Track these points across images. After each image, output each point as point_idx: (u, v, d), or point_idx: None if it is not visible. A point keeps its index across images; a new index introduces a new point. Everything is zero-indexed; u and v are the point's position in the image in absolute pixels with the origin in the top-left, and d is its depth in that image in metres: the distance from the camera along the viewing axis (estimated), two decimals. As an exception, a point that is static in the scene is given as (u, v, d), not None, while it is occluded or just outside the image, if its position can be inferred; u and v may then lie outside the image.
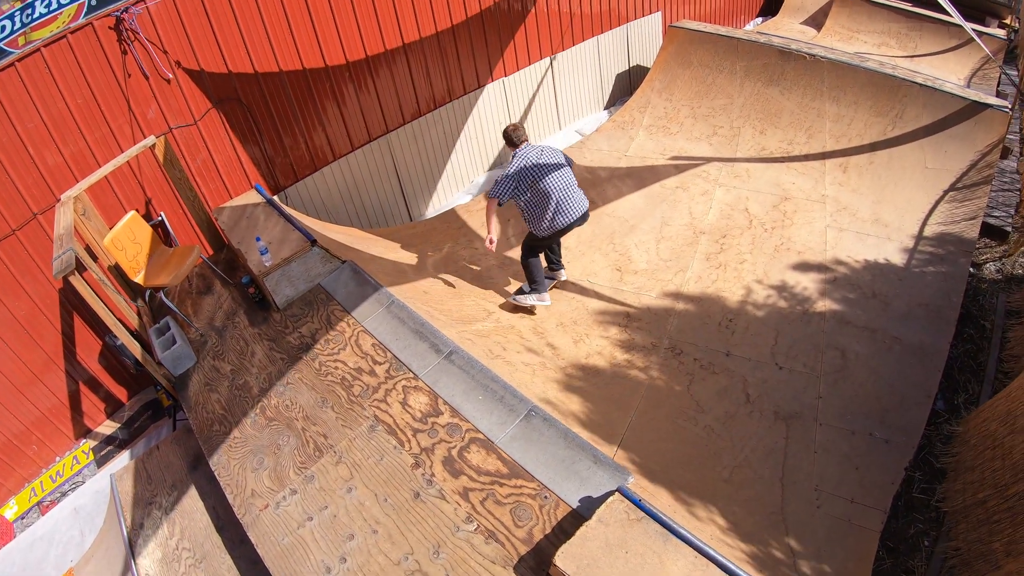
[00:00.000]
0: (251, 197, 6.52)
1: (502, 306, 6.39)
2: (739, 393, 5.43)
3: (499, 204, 5.71)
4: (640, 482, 4.14)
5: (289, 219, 6.01)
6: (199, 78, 6.12)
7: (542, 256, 6.35)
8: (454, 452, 4.09)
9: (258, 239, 5.62)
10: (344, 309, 5.31)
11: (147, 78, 5.80)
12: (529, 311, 6.22)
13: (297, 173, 7.14)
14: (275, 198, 6.52)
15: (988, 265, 7.36)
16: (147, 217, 6.21)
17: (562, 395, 5.19)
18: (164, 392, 6.06)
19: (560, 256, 6.55)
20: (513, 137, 5.74)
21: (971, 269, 6.89)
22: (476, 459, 4.02)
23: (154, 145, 5.87)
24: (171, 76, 5.89)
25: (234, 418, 4.87)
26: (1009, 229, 7.76)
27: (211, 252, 6.77)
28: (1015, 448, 4.49)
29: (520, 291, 6.27)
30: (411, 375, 4.63)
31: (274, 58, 6.49)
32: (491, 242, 5.86)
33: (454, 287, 6.41)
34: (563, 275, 6.60)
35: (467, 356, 4.68)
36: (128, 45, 5.60)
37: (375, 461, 4.19)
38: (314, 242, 5.69)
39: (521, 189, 5.68)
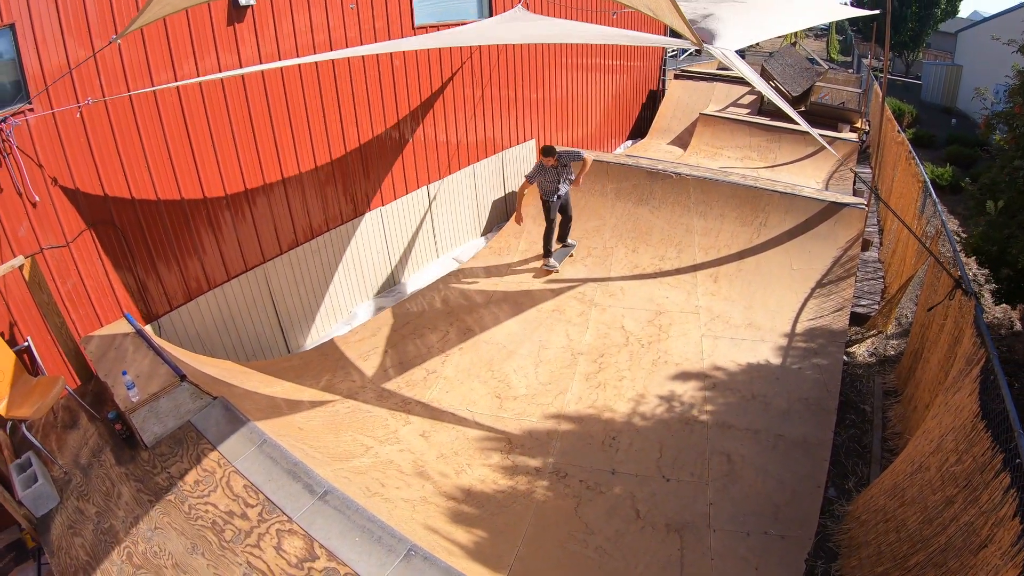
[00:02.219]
0: (122, 326, 6.42)
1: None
2: (628, 510, 5.56)
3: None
4: None
5: (158, 352, 5.91)
6: (74, 198, 6.08)
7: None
8: None
9: (124, 373, 5.49)
10: (215, 448, 5.23)
11: (20, 194, 5.71)
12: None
13: (171, 302, 7.06)
14: (146, 328, 6.42)
15: (861, 351, 7.89)
16: (11, 342, 5.92)
17: (445, 529, 5.19)
18: (27, 533, 5.72)
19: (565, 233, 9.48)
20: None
21: (844, 358, 7.37)
22: None
23: (23, 266, 5.69)
24: (37, 199, 5.81)
25: (99, 565, 4.61)
26: (874, 315, 8.38)
27: (78, 383, 6.47)
28: (908, 520, 4.76)
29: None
30: (285, 518, 4.56)
31: (151, 183, 6.55)
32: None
33: (331, 422, 6.43)
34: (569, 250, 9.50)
35: (342, 496, 4.67)
36: (3, 157, 5.54)
37: None
38: (183, 377, 5.59)
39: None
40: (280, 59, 7.21)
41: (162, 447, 5.41)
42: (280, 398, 6.54)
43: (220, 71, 6.67)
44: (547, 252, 9.05)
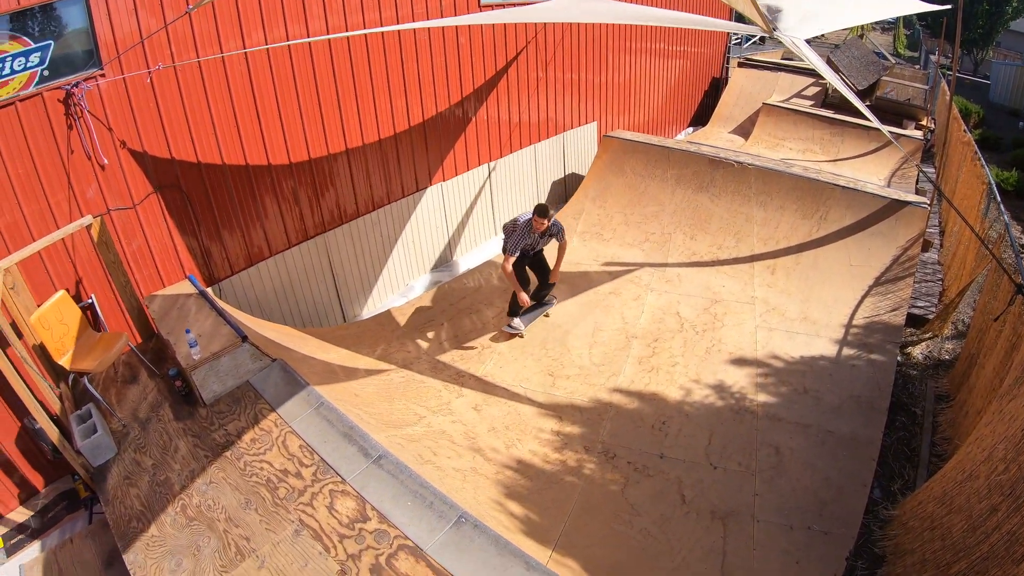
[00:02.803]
0: (184, 287, 6.56)
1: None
2: (674, 495, 5.56)
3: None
4: None
5: (221, 313, 6.05)
6: (142, 161, 6.22)
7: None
8: (382, 559, 4.06)
9: (188, 331, 5.62)
10: (272, 408, 5.34)
11: (89, 157, 5.85)
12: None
13: (232, 267, 7.19)
14: (208, 290, 6.57)
15: (916, 352, 7.73)
16: (77, 298, 6.11)
17: (494, 500, 5.25)
18: (81, 483, 5.78)
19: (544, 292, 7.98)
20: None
21: (899, 358, 7.23)
22: (404, 567, 4.00)
23: (91, 225, 5.87)
24: (106, 162, 5.94)
25: (153, 515, 4.75)
26: (931, 317, 8.20)
27: (139, 340, 6.68)
28: (954, 527, 4.67)
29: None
30: (339, 479, 4.64)
31: (218, 148, 6.66)
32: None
33: (385, 390, 6.53)
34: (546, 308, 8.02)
35: (396, 461, 4.73)
36: (75, 120, 5.67)
37: (299, 567, 4.13)
38: (245, 338, 5.71)
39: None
40: (347, 31, 7.23)
41: (220, 405, 5.54)
42: (336, 364, 6.63)
43: (288, 40, 6.73)
44: (513, 311, 7.69)
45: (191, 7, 5.67)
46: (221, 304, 6.34)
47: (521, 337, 7.57)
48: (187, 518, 4.66)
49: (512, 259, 7.18)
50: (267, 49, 6.66)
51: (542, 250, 7.74)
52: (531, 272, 7.84)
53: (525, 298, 7.35)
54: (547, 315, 7.95)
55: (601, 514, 5.36)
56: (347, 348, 7.18)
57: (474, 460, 5.70)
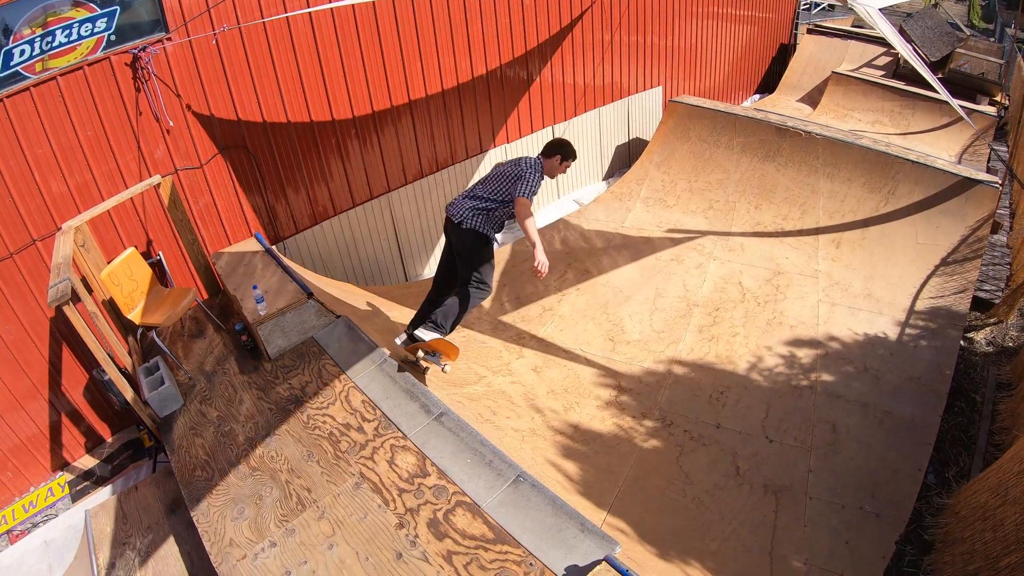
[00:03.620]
0: (250, 245, 6.65)
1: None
2: (729, 466, 5.50)
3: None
4: (628, 551, 4.17)
5: (287, 270, 6.11)
6: (208, 123, 6.29)
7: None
8: (439, 514, 4.09)
9: (255, 287, 5.69)
10: (336, 364, 5.39)
11: (157, 119, 5.95)
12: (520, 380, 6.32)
13: (297, 225, 7.27)
14: (274, 248, 6.65)
15: (979, 338, 7.47)
16: (146, 255, 6.26)
17: (551, 462, 5.25)
18: (147, 432, 6.01)
19: (438, 303, 5.61)
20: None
21: (962, 343, 6.99)
22: (462, 523, 4.03)
23: (159, 184, 5.99)
24: (172, 124, 6.03)
25: (217, 465, 4.87)
26: (997, 302, 7.89)
27: (206, 296, 6.83)
28: (1007, 519, 4.54)
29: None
30: (400, 434, 4.66)
31: (283, 108, 6.69)
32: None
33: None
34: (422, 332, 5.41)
35: (457, 418, 4.73)
36: (142, 83, 5.77)
37: (358, 519, 4.19)
38: (311, 295, 5.75)
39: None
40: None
41: (285, 359, 5.61)
42: (398, 322, 6.62)
43: (352, -1, 6.65)
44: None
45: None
46: (287, 261, 6.41)
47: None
48: (250, 468, 4.76)
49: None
50: (331, 8, 6.58)
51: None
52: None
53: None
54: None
55: (655, 480, 5.34)
56: (409, 307, 7.16)
57: (533, 421, 5.70)
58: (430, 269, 8.60)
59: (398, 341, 5.48)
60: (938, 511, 5.40)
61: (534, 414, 5.81)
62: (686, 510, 5.12)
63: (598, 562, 3.61)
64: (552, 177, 5.71)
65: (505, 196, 5.41)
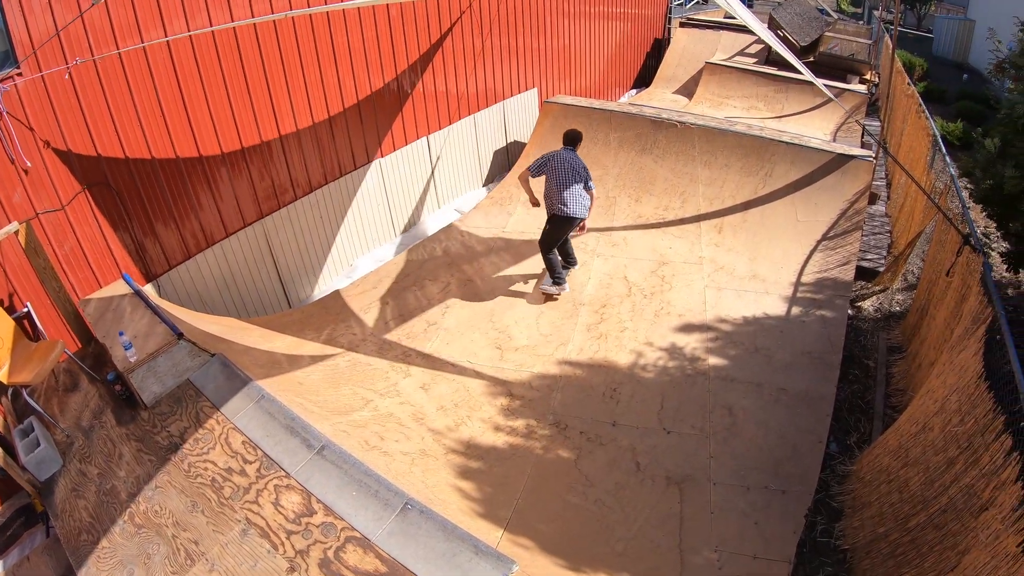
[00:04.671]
0: (119, 287, 6.35)
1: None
2: (628, 462, 5.51)
3: (531, 175, 7.40)
4: (528, 569, 4.11)
5: (155, 310, 5.84)
6: (68, 160, 5.98)
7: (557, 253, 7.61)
8: (330, 553, 3.97)
9: (121, 333, 5.44)
10: (213, 405, 5.20)
11: (12, 161, 5.60)
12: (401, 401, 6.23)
13: (170, 261, 6.98)
14: (143, 288, 6.35)
15: (866, 306, 7.78)
16: (11, 309, 5.88)
17: (444, 482, 5.16)
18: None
19: (570, 255, 7.82)
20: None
21: (850, 312, 7.26)
22: (353, 559, 3.91)
23: (17, 231, 5.64)
24: (29, 165, 5.69)
25: (102, 526, 4.64)
26: (883, 270, 8.25)
27: (79, 346, 6.46)
28: (911, 480, 4.71)
29: (547, 282, 7.53)
30: (283, 473, 4.52)
31: (145, 142, 6.43)
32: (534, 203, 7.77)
33: (331, 376, 6.37)
34: (573, 270, 7.90)
35: (339, 451, 4.61)
36: None
37: (249, 567, 4.03)
38: (180, 335, 5.53)
39: (542, 170, 7.31)
40: (272, 12, 7.01)
41: (162, 406, 5.39)
42: (280, 353, 6.47)
43: (212, 26, 6.50)
44: (561, 276, 7.55)
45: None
46: (156, 301, 6.16)
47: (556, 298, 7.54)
48: (135, 526, 4.55)
49: (530, 176, 7.42)
50: (190, 36, 6.42)
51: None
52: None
53: (536, 198, 7.66)
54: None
55: (555, 487, 5.30)
56: (292, 335, 7.00)
57: (423, 442, 5.60)
58: (313, 294, 8.40)
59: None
60: (843, 479, 5.56)
61: (424, 434, 5.70)
62: (588, 513, 5.09)
63: (494, 585, 3.53)
64: None
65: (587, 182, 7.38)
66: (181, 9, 6.30)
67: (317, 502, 4.28)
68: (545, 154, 7.38)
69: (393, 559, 3.85)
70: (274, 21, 7.11)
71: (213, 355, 5.63)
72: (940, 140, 8.19)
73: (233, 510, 4.39)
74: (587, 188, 7.29)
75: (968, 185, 9.75)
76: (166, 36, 6.25)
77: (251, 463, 4.66)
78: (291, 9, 7.20)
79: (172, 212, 6.85)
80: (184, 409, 5.28)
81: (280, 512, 4.29)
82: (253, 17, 6.83)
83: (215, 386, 5.38)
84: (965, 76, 19.01)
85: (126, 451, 5.16)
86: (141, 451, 5.11)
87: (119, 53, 6.01)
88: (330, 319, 7.41)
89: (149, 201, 6.64)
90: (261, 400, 5.13)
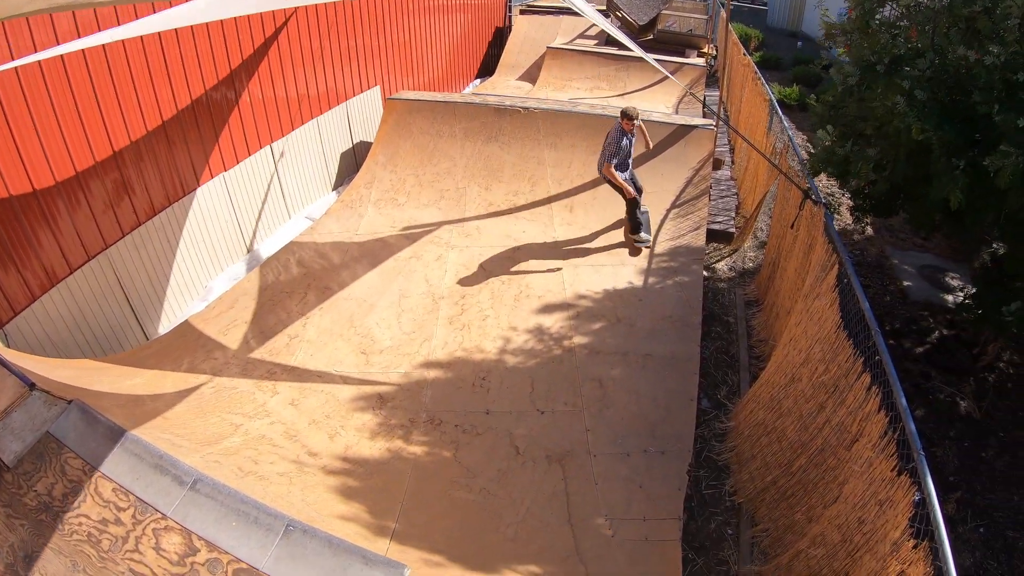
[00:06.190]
0: None
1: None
2: (507, 447, 5.65)
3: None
4: (421, 570, 4.25)
5: (3, 363, 5.55)
6: None
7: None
8: None
9: None
10: (77, 455, 4.95)
11: None
12: None
13: (13, 306, 6.57)
14: None
15: (721, 266, 8.27)
16: None
17: (324, 497, 5.13)
18: None
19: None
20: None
21: (705, 273, 7.70)
22: None
23: None
24: None
25: None
26: (733, 231, 8.79)
27: None
28: (787, 429, 5.13)
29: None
30: (159, 515, 4.41)
31: None
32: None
33: (197, 406, 6.22)
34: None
35: (213, 482, 4.53)
36: None
37: None
38: (32, 385, 5.25)
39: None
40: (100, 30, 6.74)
41: (24, 464, 5.09)
42: (141, 391, 6.25)
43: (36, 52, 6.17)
44: (635, 227, 8.09)
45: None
46: (2, 352, 5.82)
47: (651, 247, 8.06)
48: None
49: (611, 167, 7.83)
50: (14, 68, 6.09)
51: (631, 165, 8.24)
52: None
53: (631, 189, 7.91)
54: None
55: (437, 485, 5.38)
56: (151, 368, 6.75)
57: (299, 459, 5.56)
58: (170, 322, 8.11)
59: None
60: (723, 436, 5.95)
61: (299, 451, 5.64)
62: (475, 504, 5.20)
63: (389, 591, 3.59)
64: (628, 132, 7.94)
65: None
66: (3, 38, 5.99)
67: (198, 539, 4.22)
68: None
69: (285, 583, 3.85)
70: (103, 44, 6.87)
71: (70, 402, 5.39)
72: (776, 104, 8.80)
73: (115, 563, 4.27)
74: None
75: (809, 146, 10.51)
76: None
77: (125, 510, 4.52)
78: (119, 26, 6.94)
79: (10, 253, 6.50)
80: (48, 464, 5.02)
81: (163, 556, 4.21)
82: (80, 38, 6.56)
83: (76, 434, 5.14)
84: (799, 43, 20.34)
85: (-3, 520, 4.91)
86: (11, 516, 4.82)
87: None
88: (189, 347, 7.20)
89: (-16, 246, 6.30)
90: (125, 442, 4.95)
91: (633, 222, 8.02)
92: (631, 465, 5.43)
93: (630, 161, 8.14)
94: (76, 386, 5.95)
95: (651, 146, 8.40)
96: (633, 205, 7.93)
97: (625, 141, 7.86)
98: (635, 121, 7.80)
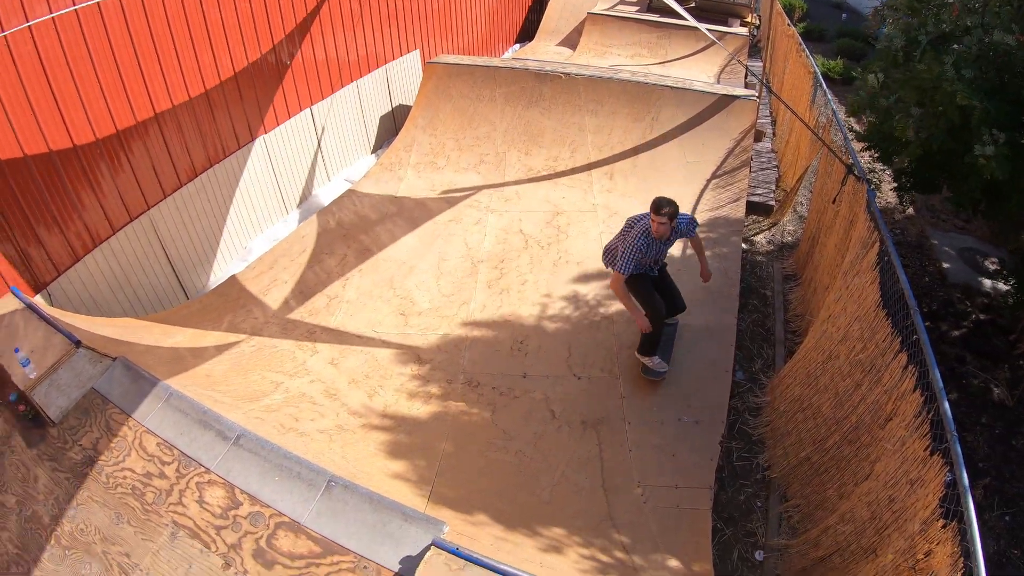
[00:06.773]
0: (9, 303, 6.15)
1: (288, 373, 6.58)
2: (543, 411, 5.76)
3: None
4: (458, 527, 4.30)
5: (49, 321, 5.66)
6: None
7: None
8: (262, 542, 4.06)
9: (17, 350, 5.30)
10: (122, 411, 5.10)
11: None
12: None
13: (58, 267, 6.71)
14: (35, 299, 6.16)
15: (760, 239, 8.27)
16: None
17: (364, 455, 5.27)
18: None
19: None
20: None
21: (744, 246, 7.71)
22: (286, 544, 4.01)
23: None
24: None
25: (30, 555, 4.56)
26: (773, 204, 8.78)
27: None
28: (822, 405, 5.18)
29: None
30: (203, 469, 4.54)
31: (16, 140, 6.11)
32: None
33: (238, 364, 6.37)
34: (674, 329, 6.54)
35: (255, 438, 4.66)
36: None
37: (184, 571, 4.07)
38: (78, 343, 5.40)
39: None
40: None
41: (70, 420, 5.24)
42: (183, 347, 6.40)
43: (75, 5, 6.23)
44: (653, 348, 6.00)
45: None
46: (49, 311, 5.96)
47: (663, 378, 6.10)
48: (63, 549, 4.49)
49: (624, 277, 5.62)
50: (53, 19, 6.15)
51: (666, 264, 6.25)
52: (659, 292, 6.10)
53: (646, 323, 5.73)
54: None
55: (475, 445, 5.50)
56: (193, 327, 6.91)
57: (338, 417, 5.69)
58: (210, 282, 8.29)
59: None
60: (757, 410, 6.01)
61: (339, 409, 5.78)
62: (511, 466, 5.32)
63: (428, 548, 3.72)
64: (658, 236, 5.58)
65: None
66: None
67: (241, 493, 4.33)
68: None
69: (325, 538, 3.99)
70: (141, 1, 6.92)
71: (115, 359, 5.52)
72: (820, 77, 8.72)
73: (159, 515, 4.39)
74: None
75: (852, 124, 10.41)
76: (28, 21, 5.96)
77: (169, 464, 4.65)
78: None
79: (53, 214, 6.60)
80: (93, 419, 5.17)
81: (206, 509, 4.32)
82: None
83: (121, 391, 5.28)
84: (844, 15, 19.98)
85: (41, 473, 5.03)
86: (56, 470, 5.00)
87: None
88: (229, 306, 7.35)
89: (27, 205, 6.37)
90: (170, 398, 5.08)
91: (644, 339, 5.96)
92: (664, 434, 5.52)
93: (664, 261, 6.12)
94: (122, 342, 6.10)
95: (709, 276, 6.25)
96: (655, 319, 5.80)
97: (653, 249, 5.67)
98: (668, 221, 5.44)
